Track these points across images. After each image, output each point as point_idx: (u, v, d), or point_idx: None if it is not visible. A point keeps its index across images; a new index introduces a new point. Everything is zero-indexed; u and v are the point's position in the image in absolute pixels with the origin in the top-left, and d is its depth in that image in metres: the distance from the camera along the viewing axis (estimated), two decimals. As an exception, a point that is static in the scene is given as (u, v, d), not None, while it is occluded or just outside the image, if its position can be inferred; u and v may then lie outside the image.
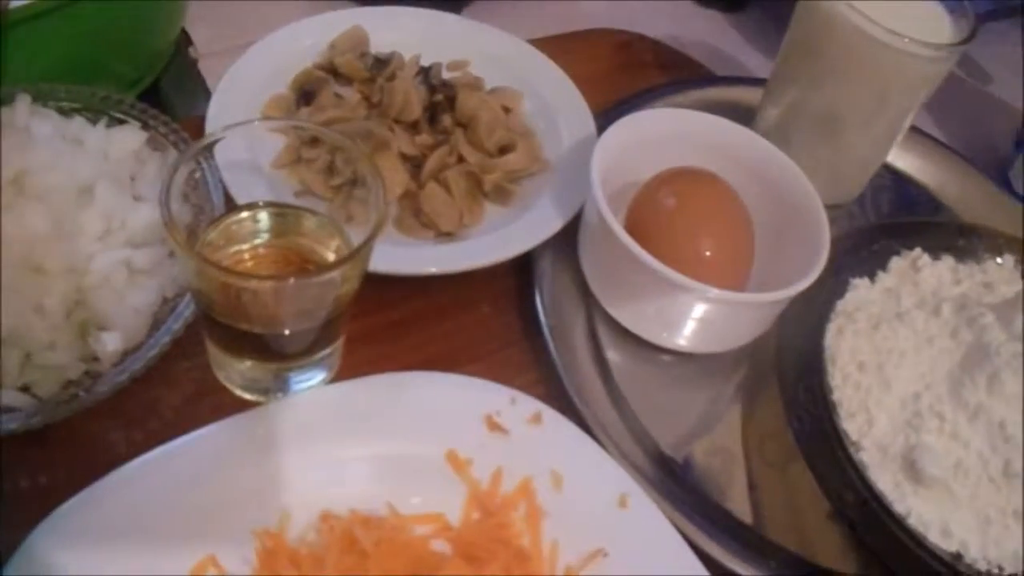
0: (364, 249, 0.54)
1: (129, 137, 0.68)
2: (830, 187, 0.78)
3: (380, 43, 0.80)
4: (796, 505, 0.65)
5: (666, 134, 0.72)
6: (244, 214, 0.61)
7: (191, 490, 0.55)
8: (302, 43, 0.79)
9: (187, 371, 0.64)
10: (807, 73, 0.75)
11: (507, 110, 0.77)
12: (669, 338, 0.68)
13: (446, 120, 0.73)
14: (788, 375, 0.69)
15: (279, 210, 0.61)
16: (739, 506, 0.64)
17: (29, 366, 0.60)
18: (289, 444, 0.58)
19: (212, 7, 0.90)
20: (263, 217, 0.61)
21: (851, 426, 0.65)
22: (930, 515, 0.62)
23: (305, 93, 0.74)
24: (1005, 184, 0.92)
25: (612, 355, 0.69)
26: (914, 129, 0.86)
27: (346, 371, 0.64)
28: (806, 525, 0.64)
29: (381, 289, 0.66)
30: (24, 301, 0.60)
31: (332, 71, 0.77)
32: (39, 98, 0.68)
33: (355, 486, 0.58)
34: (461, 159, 0.72)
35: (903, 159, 0.87)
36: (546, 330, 0.67)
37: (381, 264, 0.64)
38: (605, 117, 0.74)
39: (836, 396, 0.66)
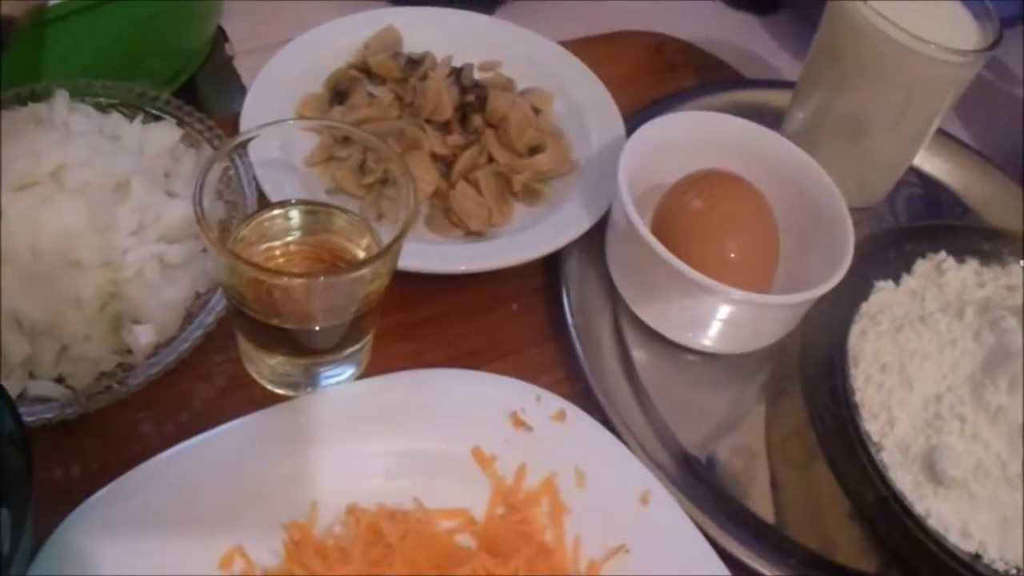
0: (394, 247, 0.55)
1: (164, 134, 0.70)
2: (857, 190, 0.79)
3: (413, 43, 0.81)
4: (818, 504, 0.65)
5: (694, 137, 0.73)
6: (276, 211, 0.61)
7: (220, 482, 0.56)
8: (336, 43, 0.80)
9: (219, 364, 0.65)
10: (834, 77, 0.75)
11: (537, 111, 0.77)
12: (694, 338, 0.69)
13: (477, 120, 0.74)
14: (811, 376, 0.69)
15: (311, 208, 0.62)
16: (761, 505, 0.64)
17: (64, 358, 0.61)
18: (317, 438, 0.59)
19: (248, 4, 0.91)
20: (295, 215, 0.62)
21: (873, 427, 0.66)
22: (950, 516, 0.62)
23: (338, 92, 0.75)
24: None
25: (637, 354, 0.69)
26: (941, 132, 0.86)
27: (375, 367, 0.64)
28: (827, 524, 0.65)
29: (411, 286, 0.67)
30: (61, 294, 0.61)
31: (366, 71, 0.78)
32: (77, 93, 0.70)
33: (382, 480, 0.59)
34: (491, 159, 0.73)
35: (930, 162, 0.87)
36: (572, 330, 0.68)
37: (411, 262, 0.65)
38: (635, 119, 0.75)
39: (858, 397, 0.66)
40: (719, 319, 0.66)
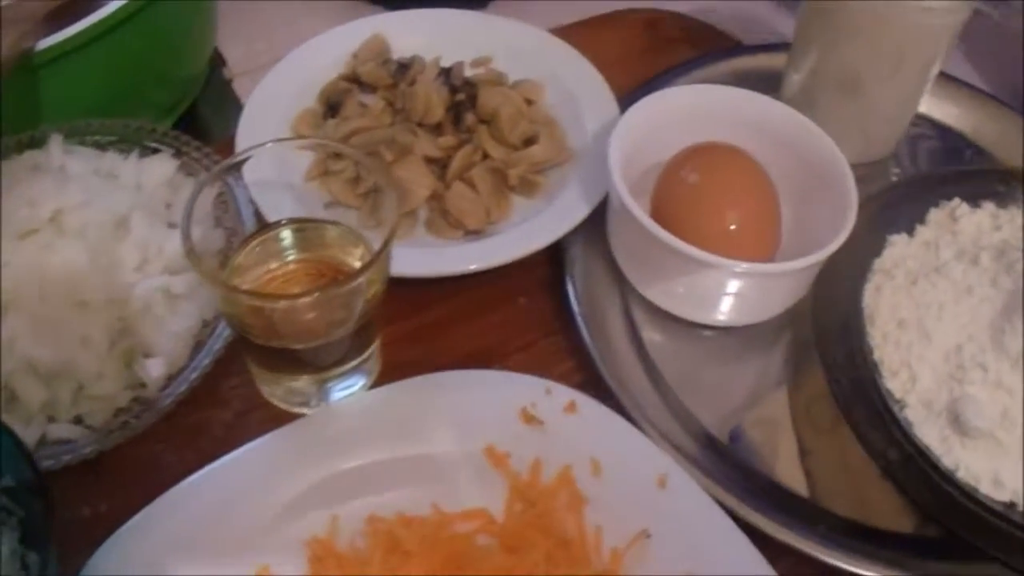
0: (381, 256, 0.55)
1: (161, 166, 0.71)
2: (862, 145, 0.77)
3: (404, 47, 0.81)
4: (849, 466, 0.64)
5: (688, 111, 0.72)
6: (268, 234, 0.62)
7: (242, 505, 0.57)
8: (326, 55, 0.80)
9: (234, 388, 0.66)
10: (825, 35, 0.74)
11: (530, 102, 0.77)
12: (704, 314, 0.68)
13: (469, 118, 0.74)
14: (827, 339, 0.68)
15: (300, 226, 0.62)
16: (788, 475, 0.64)
17: (81, 398, 0.62)
18: (332, 452, 0.59)
19: (243, 25, 0.91)
20: (287, 234, 0.62)
21: (895, 384, 0.64)
22: (979, 467, 0.61)
23: (331, 105, 0.76)
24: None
25: (649, 336, 0.69)
26: (947, 77, 0.84)
27: (387, 375, 0.65)
28: (861, 486, 0.64)
29: (417, 292, 0.68)
30: (71, 335, 0.62)
31: (356, 81, 0.78)
32: (73, 135, 0.71)
33: (399, 488, 0.59)
34: (486, 156, 0.73)
35: (938, 108, 0.85)
36: (579, 318, 0.67)
37: (412, 268, 0.66)
38: (630, 99, 0.74)
39: (877, 356, 0.65)
40: (726, 292, 0.65)
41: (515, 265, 0.68)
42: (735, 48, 0.89)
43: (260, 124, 0.73)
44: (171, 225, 0.68)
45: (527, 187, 0.73)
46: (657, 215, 0.65)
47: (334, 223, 0.62)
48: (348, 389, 0.63)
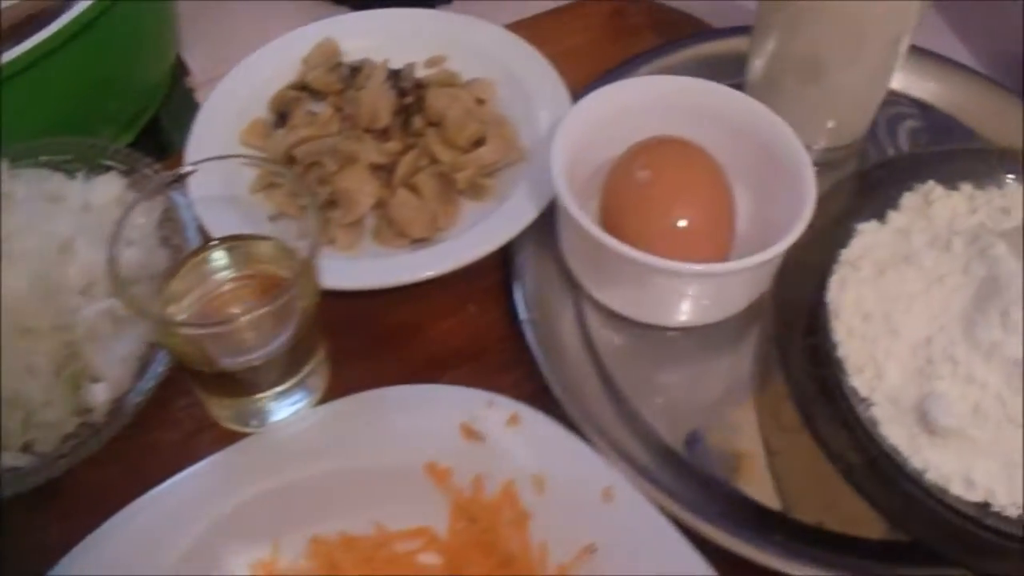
0: (305, 272, 0.54)
1: (109, 185, 0.70)
2: (831, 129, 0.75)
3: (357, 50, 0.79)
4: (818, 468, 0.61)
5: (640, 104, 0.69)
6: (201, 255, 0.61)
7: (185, 527, 0.56)
8: (279, 63, 0.78)
9: (184, 409, 0.65)
10: (782, 18, 0.70)
11: (481, 102, 0.75)
12: (660, 316, 0.66)
13: (418, 122, 0.72)
14: (787, 336, 0.66)
15: (231, 244, 0.61)
16: (750, 481, 0.62)
17: (29, 425, 0.61)
18: (274, 472, 0.58)
19: (207, 31, 0.90)
20: (220, 254, 0.61)
21: (860, 381, 0.62)
22: (950, 467, 0.58)
23: (281, 114, 0.74)
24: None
25: (604, 340, 0.67)
26: (926, 52, 0.81)
27: (337, 389, 0.64)
28: (831, 488, 0.60)
29: (367, 304, 0.67)
30: (18, 363, 0.62)
31: (305, 88, 0.76)
32: (26, 157, 0.70)
33: (342, 507, 0.58)
34: (435, 160, 0.71)
35: (918, 86, 0.82)
36: (526, 325, 0.65)
37: (355, 280, 0.65)
38: (588, 92, 0.71)
39: (841, 352, 0.63)
40: (680, 294, 0.64)
41: (465, 271, 0.66)
42: (703, 33, 0.85)
43: (209, 137, 0.73)
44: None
45: (476, 191, 0.71)
46: (606, 215, 0.64)
47: (266, 238, 0.61)
48: (293, 407, 0.62)
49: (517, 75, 0.77)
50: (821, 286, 0.65)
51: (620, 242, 0.60)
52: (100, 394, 0.62)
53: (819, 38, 0.69)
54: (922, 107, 0.82)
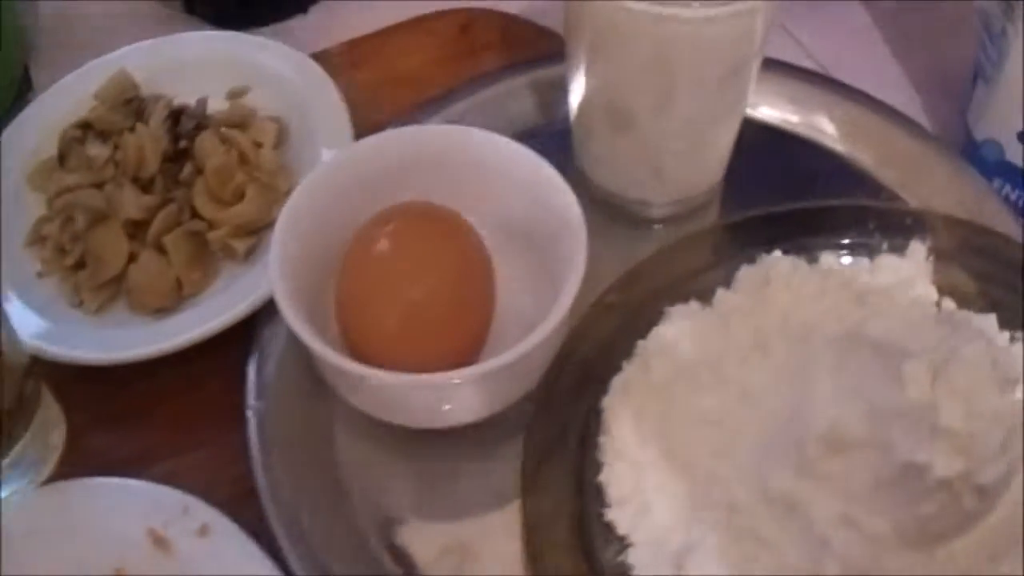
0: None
1: None
2: (656, 184, 0.65)
3: (159, 82, 0.72)
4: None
5: (399, 161, 0.61)
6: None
7: None
8: (77, 96, 0.72)
9: None
10: (581, 61, 0.61)
11: (259, 145, 0.68)
12: (407, 419, 0.57)
13: (187, 171, 0.65)
14: (537, 455, 0.56)
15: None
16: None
17: None
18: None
19: (58, 51, 0.84)
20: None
21: (619, 515, 0.53)
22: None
23: (60, 156, 0.69)
24: (962, 128, 0.72)
25: (348, 437, 0.59)
26: (810, 73, 0.71)
27: (72, 467, 0.59)
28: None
29: (105, 376, 0.61)
30: None
31: (89, 126, 0.70)
32: None
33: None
34: (197, 215, 0.65)
35: (800, 116, 0.71)
36: (250, 413, 0.58)
37: (77, 351, 0.60)
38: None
39: (604, 477, 0.54)
40: (420, 401, 0.56)
41: (209, 344, 0.60)
42: (548, 56, 0.72)
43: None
44: None
45: (229, 252, 0.64)
46: (342, 300, 0.57)
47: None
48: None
49: (311, 115, 0.70)
50: (599, 389, 0.57)
51: (327, 347, 0.53)
52: None
53: (620, 81, 0.60)
54: (806, 147, 0.70)
